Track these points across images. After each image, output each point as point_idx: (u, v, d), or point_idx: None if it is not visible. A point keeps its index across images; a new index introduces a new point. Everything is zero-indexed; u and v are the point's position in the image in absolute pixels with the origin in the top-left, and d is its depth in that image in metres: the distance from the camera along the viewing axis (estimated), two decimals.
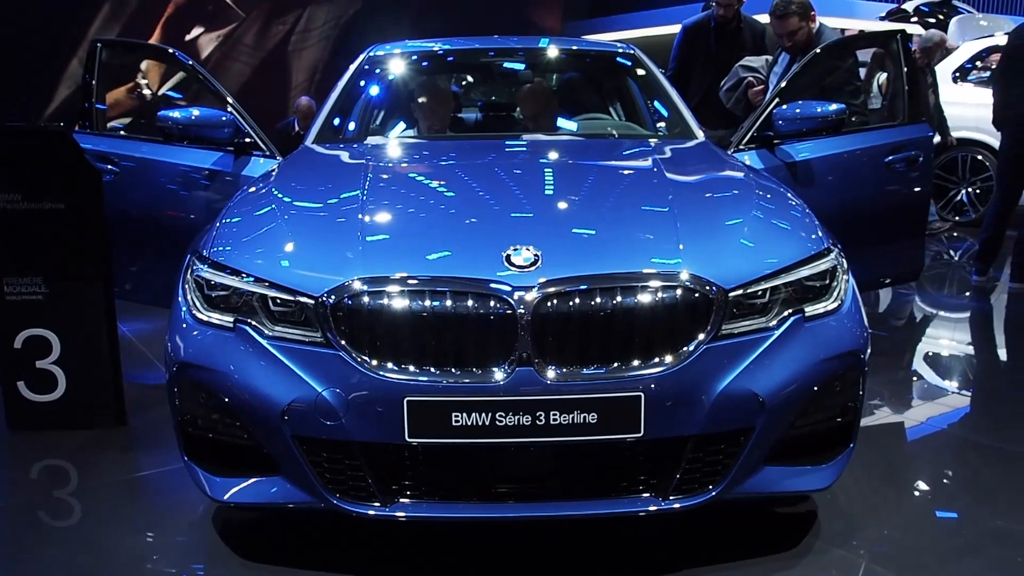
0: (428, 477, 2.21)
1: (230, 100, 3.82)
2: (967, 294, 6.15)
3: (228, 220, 2.55)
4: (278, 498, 2.27)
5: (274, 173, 2.98)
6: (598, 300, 2.10)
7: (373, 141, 3.64)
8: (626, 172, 3.00)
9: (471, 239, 2.31)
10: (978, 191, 8.52)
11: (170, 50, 4.12)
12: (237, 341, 2.23)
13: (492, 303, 2.09)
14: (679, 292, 2.14)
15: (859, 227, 3.71)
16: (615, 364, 2.12)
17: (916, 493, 2.90)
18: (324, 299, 2.14)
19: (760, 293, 2.24)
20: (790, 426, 2.27)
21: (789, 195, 2.72)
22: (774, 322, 2.24)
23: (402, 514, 2.18)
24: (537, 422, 2.09)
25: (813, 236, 2.45)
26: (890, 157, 3.88)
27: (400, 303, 2.11)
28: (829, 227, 2.59)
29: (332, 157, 3.36)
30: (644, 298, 2.12)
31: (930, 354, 4.73)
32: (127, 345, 4.47)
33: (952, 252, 7.76)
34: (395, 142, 3.70)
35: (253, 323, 2.22)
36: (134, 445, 3.31)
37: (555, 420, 2.09)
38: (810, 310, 2.30)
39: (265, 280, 2.24)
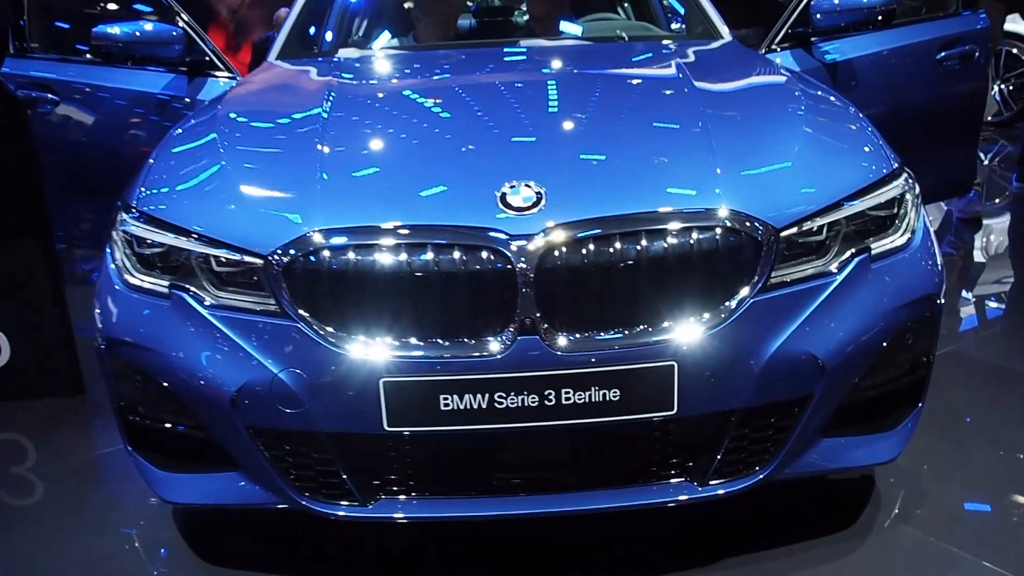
0: (415, 471, 1.82)
1: (179, 11, 3.30)
2: (1005, 202, 5.67)
3: (160, 162, 2.10)
4: (237, 498, 1.89)
5: (223, 100, 2.50)
6: (618, 248, 1.67)
7: (347, 54, 3.11)
8: (646, 83, 2.49)
9: (456, 175, 1.86)
10: (1011, 88, 7.91)
11: None
12: (173, 312, 1.82)
13: (484, 256, 1.66)
14: (718, 233, 1.70)
15: (906, 134, 3.23)
16: (641, 327, 1.70)
17: (984, 447, 2.51)
18: (275, 257, 1.72)
19: (817, 230, 1.80)
20: (853, 389, 1.86)
21: (845, 105, 2.25)
22: (835, 265, 1.80)
23: (385, 515, 1.80)
24: (546, 402, 1.69)
25: (878, 156, 1.99)
26: (942, 53, 3.38)
27: (368, 260, 1.68)
28: None
29: (295, 75, 2.85)
30: (675, 243, 1.68)
31: (970, 271, 4.29)
32: (83, 300, 4.07)
33: (983, 156, 7.23)
34: (372, 54, 3.16)
35: (192, 289, 1.80)
36: (94, 417, 2.92)
37: (568, 399, 1.69)
38: (877, 247, 1.86)
39: (204, 235, 1.81)
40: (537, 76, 2.63)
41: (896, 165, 1.97)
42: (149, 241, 1.87)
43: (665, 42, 3.12)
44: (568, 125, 2.10)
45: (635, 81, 2.54)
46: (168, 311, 1.82)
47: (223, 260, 1.78)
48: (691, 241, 1.68)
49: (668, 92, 2.30)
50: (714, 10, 3.24)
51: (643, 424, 1.74)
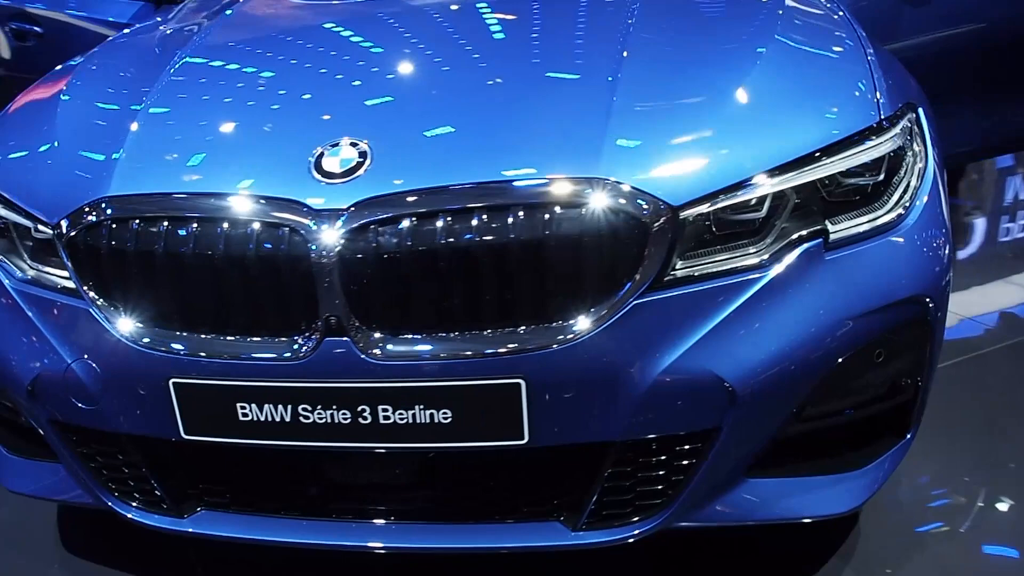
0: (229, 486, 1.53)
1: None
2: None
3: (12, 110, 1.85)
4: (59, 492, 1.67)
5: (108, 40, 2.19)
6: (448, 228, 1.27)
7: None
8: (582, 11, 1.96)
9: (271, 134, 1.49)
10: None
11: None
12: None
13: (281, 236, 1.31)
14: (587, 213, 1.27)
15: (996, 66, 2.58)
16: (479, 333, 1.31)
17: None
18: (61, 228, 1.43)
19: (756, 204, 1.33)
20: (792, 419, 1.41)
21: (844, 34, 1.71)
22: (766, 255, 1.34)
23: (203, 531, 1.53)
24: (360, 420, 1.34)
25: (859, 102, 1.47)
26: None
27: (152, 236, 1.36)
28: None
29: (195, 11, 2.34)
30: (526, 224, 1.27)
31: None
32: None
33: None
34: None
35: (6, 262, 1.56)
36: None
37: (387, 418, 1.33)
38: (842, 228, 1.38)
39: (6, 198, 1.55)
40: (451, 9, 2.08)
41: (888, 112, 1.45)
42: None
43: None
44: (441, 69, 1.66)
45: (571, 8, 2.00)
46: None
47: (23, 229, 1.52)
48: (549, 222, 1.27)
49: (598, 26, 1.79)
50: None
51: (486, 454, 1.36)
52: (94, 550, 1.84)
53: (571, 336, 1.28)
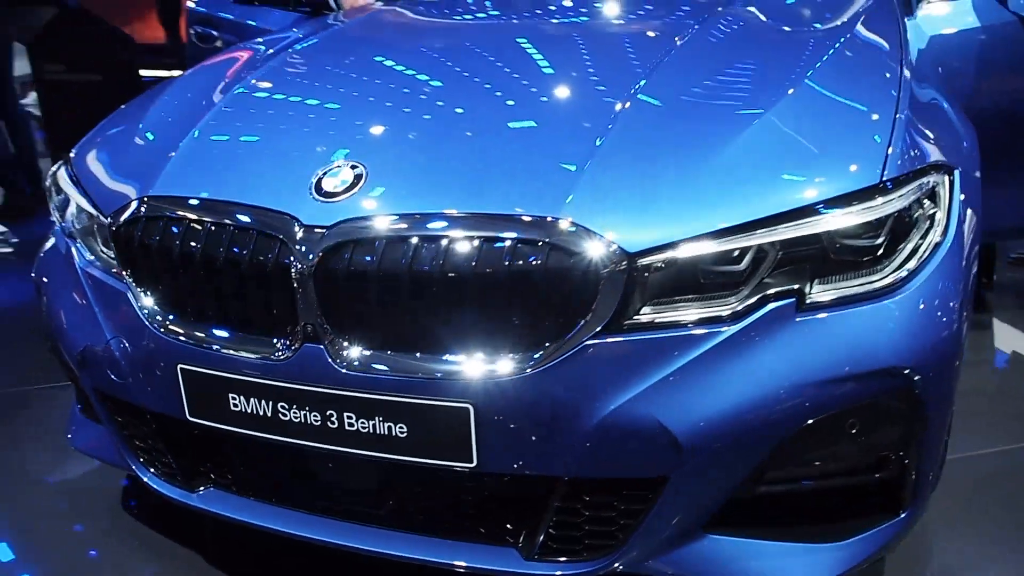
0: (231, 468, 1.66)
1: None
2: None
3: (126, 107, 2.09)
4: (104, 453, 1.88)
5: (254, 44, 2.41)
6: (413, 252, 1.34)
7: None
8: (628, 45, 1.97)
9: (289, 155, 1.59)
10: None
11: None
12: (59, 262, 1.82)
13: (273, 245, 1.43)
14: (542, 251, 1.30)
15: None
16: (437, 355, 1.37)
17: None
18: (112, 220, 1.62)
19: (737, 257, 1.32)
20: (751, 480, 1.37)
21: (885, 84, 1.63)
22: (738, 308, 1.31)
23: (209, 507, 1.68)
24: (328, 424, 1.44)
25: (865, 158, 1.41)
26: None
27: (172, 234, 1.52)
28: None
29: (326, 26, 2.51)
30: (485, 256, 1.32)
31: None
32: None
33: None
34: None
35: (80, 243, 1.78)
36: None
37: (351, 425, 1.42)
38: (826, 290, 1.34)
39: (82, 187, 1.77)
40: (520, 31, 2.19)
41: (891, 175, 1.38)
42: (58, 187, 1.87)
43: None
44: (453, 104, 1.70)
45: (616, 45, 2.00)
46: (61, 259, 1.82)
47: (91, 215, 1.73)
48: (506, 256, 1.31)
49: (623, 62, 1.80)
50: None
51: (439, 472, 1.42)
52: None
53: (521, 368, 1.32)
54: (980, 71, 2.45)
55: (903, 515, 1.46)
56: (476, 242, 1.32)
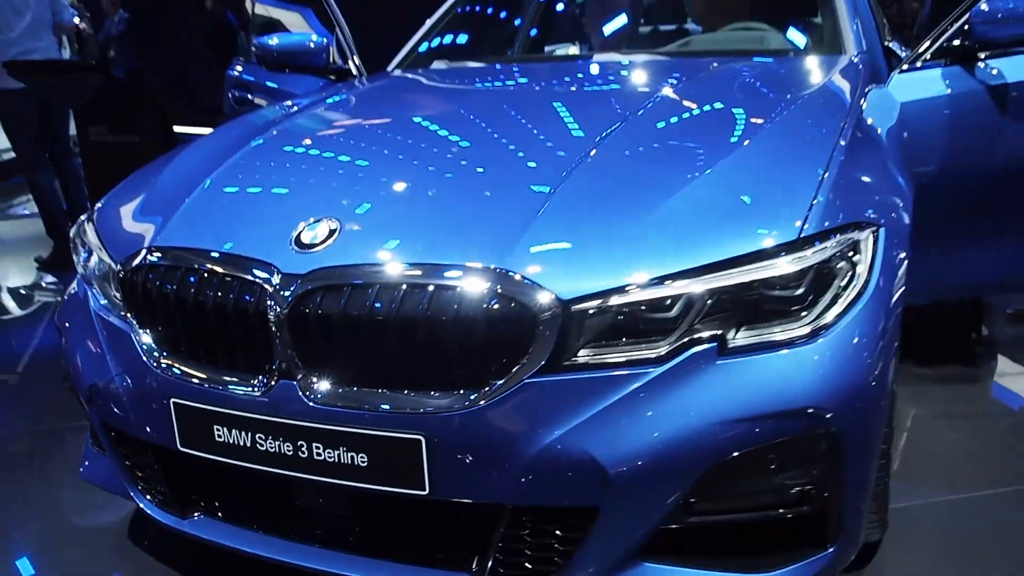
0: (218, 496, 1.82)
1: (339, 24, 3.55)
2: None
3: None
4: (113, 484, 2.04)
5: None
6: (372, 300, 1.50)
7: (436, 65, 3.09)
8: (596, 113, 2.14)
9: (276, 211, 1.78)
10: None
11: None
12: (79, 302, 2.01)
13: (252, 292, 1.60)
14: (484, 298, 1.45)
15: None
16: (393, 392, 1.52)
17: None
18: (122, 266, 1.82)
19: (668, 305, 1.45)
20: (679, 510, 1.48)
21: (825, 145, 1.77)
22: (663, 352, 1.44)
23: (199, 533, 1.82)
24: (299, 453, 1.59)
25: (790, 216, 1.54)
26: None
27: (166, 282, 1.70)
28: None
29: (328, 92, 2.82)
30: (435, 302, 1.47)
31: None
32: None
33: None
34: (441, 69, 3.09)
35: (96, 288, 1.97)
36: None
37: (319, 455, 1.57)
38: (749, 335, 1.46)
39: (100, 237, 1.97)
40: (501, 102, 2.43)
41: (810, 232, 1.51)
42: (81, 231, 2.08)
43: (759, 59, 2.66)
44: (426, 168, 1.88)
45: (593, 112, 2.19)
46: (79, 304, 2.02)
47: (107, 263, 1.92)
48: (453, 302, 1.46)
49: (590, 126, 1.98)
50: (854, 22, 2.68)
51: (397, 499, 1.55)
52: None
53: (467, 404, 1.46)
54: (953, 134, 2.55)
55: (831, 549, 1.55)
56: (430, 288, 1.48)
